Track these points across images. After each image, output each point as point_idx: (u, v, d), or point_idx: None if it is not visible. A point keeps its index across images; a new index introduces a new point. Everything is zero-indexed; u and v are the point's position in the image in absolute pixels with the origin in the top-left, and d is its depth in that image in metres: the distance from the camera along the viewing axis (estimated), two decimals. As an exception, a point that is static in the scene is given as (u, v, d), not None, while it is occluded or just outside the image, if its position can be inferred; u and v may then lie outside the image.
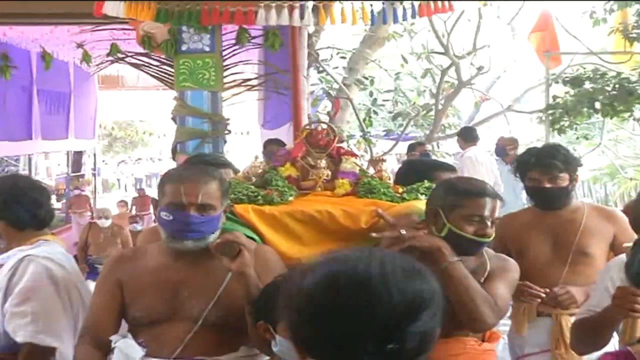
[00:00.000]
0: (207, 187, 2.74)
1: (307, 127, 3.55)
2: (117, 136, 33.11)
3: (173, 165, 7.02)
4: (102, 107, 14.47)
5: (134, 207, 15.29)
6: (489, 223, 2.83)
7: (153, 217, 13.58)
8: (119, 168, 36.10)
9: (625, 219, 3.85)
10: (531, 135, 17.54)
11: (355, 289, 1.28)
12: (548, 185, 3.78)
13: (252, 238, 3.02)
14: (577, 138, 11.50)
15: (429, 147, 9.90)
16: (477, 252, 2.90)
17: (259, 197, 3.32)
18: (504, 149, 9.15)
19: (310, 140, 3.52)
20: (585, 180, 14.88)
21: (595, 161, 13.98)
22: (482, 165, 8.69)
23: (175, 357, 2.66)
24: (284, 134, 8.78)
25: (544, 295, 3.69)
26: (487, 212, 2.83)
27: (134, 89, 17.09)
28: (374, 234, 2.89)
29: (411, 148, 9.78)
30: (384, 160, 3.64)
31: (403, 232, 2.78)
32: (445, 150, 12.35)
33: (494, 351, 2.98)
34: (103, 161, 35.07)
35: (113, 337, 2.75)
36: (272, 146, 8.57)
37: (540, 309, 3.77)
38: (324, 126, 3.58)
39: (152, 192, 31.95)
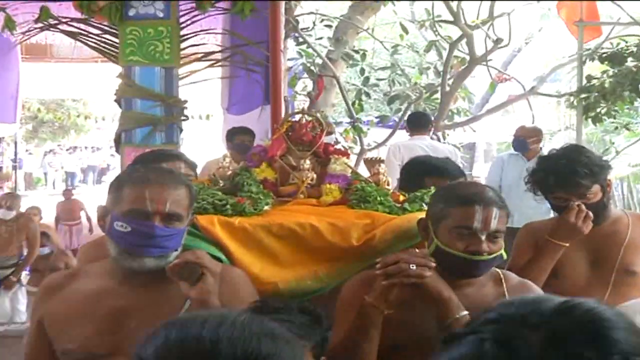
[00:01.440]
0: (176, 193, 2.75)
1: (289, 118, 3.59)
2: (43, 119, 32.89)
3: (116, 158, 7.05)
4: (25, 83, 14.31)
5: (59, 214, 14.81)
6: (482, 237, 2.86)
7: (86, 228, 13.36)
8: (45, 159, 35.86)
9: None
10: (559, 122, 17.70)
11: (186, 350, 1.44)
12: (578, 203, 3.79)
13: (217, 258, 3.05)
14: (617, 128, 11.57)
15: (432, 137, 9.89)
16: (474, 274, 2.95)
17: (228, 206, 3.35)
18: (524, 142, 9.00)
19: (291, 135, 3.58)
20: (625, 178, 14.99)
21: (637, 155, 14.08)
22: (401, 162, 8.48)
23: None
24: (254, 120, 8.83)
25: None
26: (477, 224, 2.86)
27: (66, 60, 16.92)
28: (378, 260, 2.89)
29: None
30: (382, 161, 3.68)
31: (412, 266, 2.81)
32: (454, 141, 12.41)
33: None
34: (26, 150, 34.87)
35: None
36: (241, 137, 8.61)
37: None
38: (309, 117, 3.61)
39: (87, 191, 31.98)
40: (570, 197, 3.78)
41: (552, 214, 7.94)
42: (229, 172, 3.59)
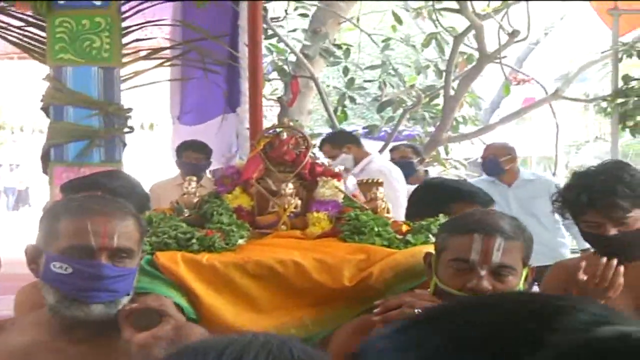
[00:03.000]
0: (124, 225, 2.80)
1: (266, 133, 3.72)
2: (-53, 131, 32.92)
3: (43, 178, 7.10)
4: None
5: None
6: (482, 272, 2.94)
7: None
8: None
9: None
10: (587, 131, 17.94)
11: None
12: (614, 232, 3.81)
13: (179, 306, 3.14)
14: None
15: (418, 148, 9.91)
16: None
17: (194, 241, 3.45)
18: (496, 161, 8.91)
19: (270, 153, 3.71)
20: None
21: None
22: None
23: None
24: (212, 132, 8.89)
25: None
26: (474, 255, 2.95)
27: None
28: (377, 303, 3.00)
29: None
30: (380, 184, 3.80)
31: (418, 311, 2.85)
32: (458, 157, 12.53)
33: None
34: None
35: None
36: (190, 154, 8.67)
37: None
38: (292, 132, 3.74)
39: (1, 219, 31.79)
40: (605, 221, 3.78)
41: (563, 250, 8.13)
42: (196, 199, 3.71)
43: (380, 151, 11.24)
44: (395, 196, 5.90)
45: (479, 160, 9.34)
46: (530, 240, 3.10)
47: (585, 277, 3.53)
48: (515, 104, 14.76)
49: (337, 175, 3.83)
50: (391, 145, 11.95)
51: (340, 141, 8.31)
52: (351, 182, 4.12)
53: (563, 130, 11.67)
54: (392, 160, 9.36)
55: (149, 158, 25.48)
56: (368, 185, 3.87)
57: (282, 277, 3.42)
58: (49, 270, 2.73)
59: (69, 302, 2.71)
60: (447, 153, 12.00)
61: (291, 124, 3.90)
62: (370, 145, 12.95)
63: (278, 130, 3.79)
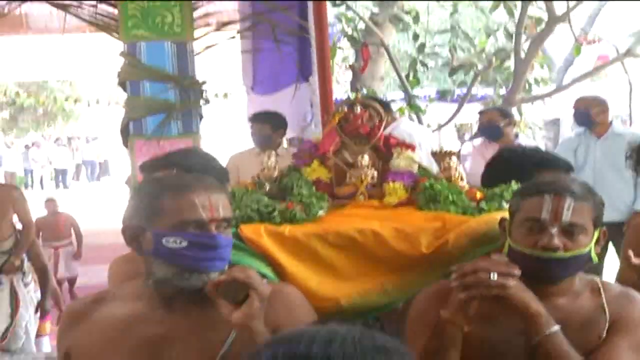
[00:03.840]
0: (222, 197, 2.93)
1: (340, 108, 3.82)
2: (23, 105, 33.25)
3: (121, 150, 7.23)
4: None
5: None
6: (552, 230, 3.01)
7: (74, 247, 13.21)
8: (28, 153, 35.87)
9: None
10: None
11: None
12: None
13: (264, 275, 3.25)
14: None
15: (506, 111, 9.90)
16: (548, 275, 3.10)
17: (276, 213, 3.58)
18: (587, 114, 9.06)
19: (345, 127, 3.81)
20: None
21: None
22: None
23: None
24: (286, 101, 8.99)
25: None
26: (545, 215, 3.02)
27: (47, 32, 16.96)
28: (453, 269, 3.06)
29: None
30: (453, 154, 3.87)
31: (494, 276, 2.96)
32: (532, 119, 12.51)
33: None
34: (5, 143, 35.16)
35: None
36: (257, 126, 8.75)
37: None
38: (365, 105, 3.83)
39: (80, 191, 32.13)
40: None
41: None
42: (276, 173, 3.83)
43: (453, 116, 11.31)
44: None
45: (573, 111, 9.25)
46: (601, 204, 3.14)
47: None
48: (589, 62, 14.67)
49: (411, 147, 3.92)
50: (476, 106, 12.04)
51: (367, 106, 8.29)
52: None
53: (637, 88, 11.57)
54: (480, 124, 9.40)
55: (225, 127, 25.65)
56: (442, 155, 3.91)
57: (362, 246, 3.52)
58: (161, 246, 2.82)
59: (188, 273, 2.82)
60: (520, 115, 11.98)
61: (364, 90, 3.99)
62: (443, 109, 13.02)
63: (352, 104, 3.88)
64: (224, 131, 25.46)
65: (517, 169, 3.73)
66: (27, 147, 36.54)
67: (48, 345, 9.66)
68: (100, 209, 23.22)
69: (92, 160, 37.81)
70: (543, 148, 14.74)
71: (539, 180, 3.22)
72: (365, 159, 3.79)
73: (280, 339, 1.81)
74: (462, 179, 3.84)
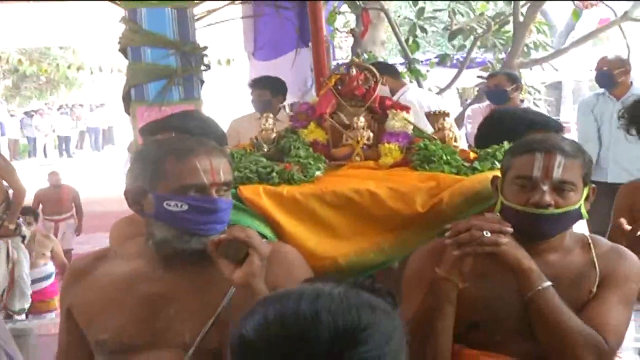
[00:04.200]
0: (224, 160, 2.99)
1: (336, 70, 3.88)
2: (26, 73, 33.19)
3: (126, 117, 7.27)
4: None
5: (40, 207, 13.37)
6: (544, 187, 3.07)
7: (75, 220, 13.12)
8: (32, 122, 35.90)
9: None
10: None
11: (286, 324, 1.81)
12: None
13: (263, 235, 3.31)
14: None
15: (514, 75, 9.86)
16: (540, 232, 3.16)
17: (274, 174, 3.63)
18: (610, 74, 9.00)
19: (341, 89, 3.87)
20: None
21: None
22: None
23: None
24: (287, 66, 9.04)
25: None
26: (537, 172, 3.09)
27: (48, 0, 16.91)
28: (447, 227, 3.12)
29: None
30: (447, 115, 3.94)
31: (487, 233, 3.03)
32: (532, 82, 12.55)
33: None
34: (9, 112, 35.18)
35: None
36: (257, 91, 8.80)
37: None
38: (360, 67, 3.89)
39: (84, 159, 32.17)
40: None
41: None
42: (274, 135, 3.89)
43: (453, 80, 11.35)
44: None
45: (595, 72, 9.27)
46: (590, 162, 3.21)
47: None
48: (591, 26, 14.65)
49: (406, 108, 3.98)
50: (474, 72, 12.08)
51: None
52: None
53: (637, 52, 11.57)
54: (487, 88, 9.40)
55: (228, 93, 25.65)
56: (436, 116, 3.97)
57: (359, 205, 3.57)
58: (162, 209, 2.89)
59: (188, 236, 2.89)
60: (520, 80, 12.00)
61: (365, 55, 4.04)
62: (443, 74, 13.06)
63: (347, 66, 3.93)
64: (228, 97, 25.48)
65: (509, 129, 3.78)
66: (29, 114, 36.42)
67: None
68: (104, 177, 23.29)
69: (97, 128, 37.71)
70: (544, 111, 14.79)
71: (530, 139, 3.27)
72: (361, 121, 3.85)
73: (270, 298, 1.92)
74: (455, 139, 3.90)
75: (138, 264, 3.02)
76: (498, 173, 3.37)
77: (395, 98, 7.77)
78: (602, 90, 9.24)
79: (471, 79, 13.35)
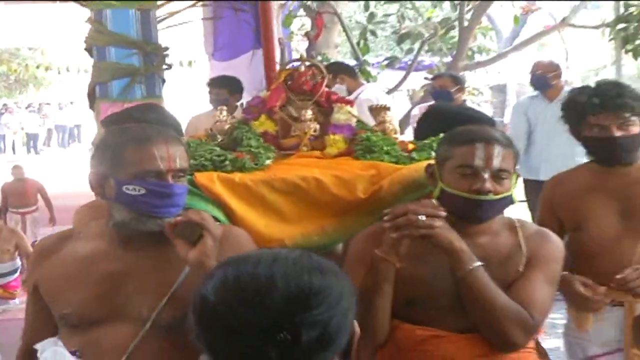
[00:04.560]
0: (180, 149, 3.05)
1: (287, 66, 3.98)
2: (-4, 72, 33.17)
3: (89, 114, 7.27)
4: None
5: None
6: (485, 175, 3.19)
7: (46, 218, 12.83)
8: (1, 119, 35.79)
9: None
10: (604, 55, 17.97)
11: (243, 285, 1.92)
12: (619, 134, 4.12)
13: (216, 219, 3.40)
14: None
15: (458, 77, 9.98)
16: (479, 216, 3.28)
17: (227, 162, 3.71)
18: (544, 77, 9.19)
19: (291, 84, 3.95)
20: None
21: None
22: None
23: None
24: (244, 67, 9.06)
25: (602, 294, 4.07)
26: (478, 162, 3.19)
27: (18, 1, 16.81)
28: (386, 212, 3.20)
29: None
30: (387, 109, 4.04)
31: (422, 217, 3.12)
32: (475, 84, 12.66)
33: (532, 351, 3.40)
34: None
35: (38, 346, 3.06)
36: (215, 90, 8.88)
37: (607, 297, 4.11)
38: (309, 64, 3.99)
39: (52, 156, 31.95)
40: (612, 123, 4.11)
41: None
42: (227, 126, 3.95)
43: (401, 81, 11.42)
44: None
45: (530, 76, 9.45)
46: (518, 152, 3.34)
47: None
48: (535, 32, 14.81)
49: (350, 102, 4.06)
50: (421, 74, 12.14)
51: (335, 72, 8.34)
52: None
53: (582, 57, 11.74)
54: (433, 88, 9.46)
55: (190, 92, 25.57)
56: (377, 110, 4.07)
57: (305, 191, 3.66)
58: (121, 192, 2.93)
59: (145, 218, 2.93)
60: (465, 82, 12.11)
61: (319, 57, 4.12)
62: (392, 76, 13.14)
63: (296, 64, 4.02)
64: (190, 97, 25.39)
65: (445, 123, 3.80)
66: (1, 113, 36.25)
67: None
68: (70, 173, 23.16)
69: (64, 125, 37.46)
70: (490, 113, 14.89)
71: (468, 130, 3.36)
72: (309, 113, 3.92)
73: (230, 261, 2.02)
74: (395, 132, 3.98)
75: (100, 244, 3.06)
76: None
77: (352, 96, 7.90)
78: (536, 92, 9.40)
79: (420, 81, 13.44)
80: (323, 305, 1.92)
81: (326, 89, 4.01)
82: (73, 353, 2.96)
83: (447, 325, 3.27)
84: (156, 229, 2.94)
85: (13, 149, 35.01)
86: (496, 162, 3.22)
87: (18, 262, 10.32)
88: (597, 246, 4.23)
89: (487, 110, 18.38)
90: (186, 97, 25.07)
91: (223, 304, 1.92)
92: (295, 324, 1.89)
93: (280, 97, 3.97)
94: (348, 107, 4.00)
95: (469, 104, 9.76)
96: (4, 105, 36.92)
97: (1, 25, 16.62)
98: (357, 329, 2.67)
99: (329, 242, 3.74)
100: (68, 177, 21.77)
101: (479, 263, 3.18)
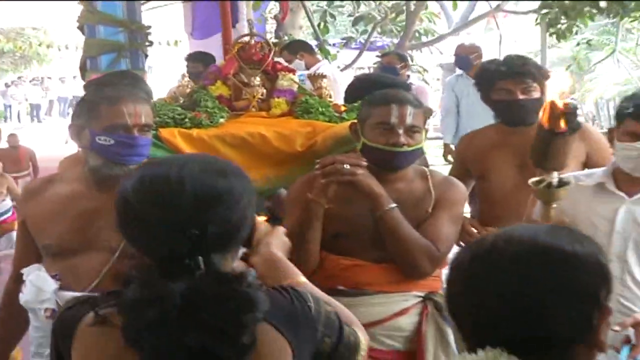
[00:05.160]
0: (147, 107, 3.15)
1: (239, 40, 4.13)
2: (4, 50, 32.65)
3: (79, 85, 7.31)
4: None
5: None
6: (400, 131, 3.34)
7: (30, 179, 12.62)
8: (8, 91, 35.60)
9: (600, 137, 4.49)
10: (533, 43, 18.06)
11: (156, 186, 1.97)
12: (522, 97, 4.28)
13: None
14: (578, 44, 11.90)
15: (403, 55, 10.08)
16: (396, 165, 3.43)
17: (187, 120, 3.84)
18: (466, 58, 9.35)
19: (242, 55, 4.06)
20: (611, 98, 15.32)
21: (622, 75, 14.40)
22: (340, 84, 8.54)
23: (91, 289, 3.02)
24: (217, 44, 9.13)
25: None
26: (394, 119, 3.34)
27: None
28: (317, 161, 3.36)
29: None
30: (324, 77, 4.19)
31: (347, 166, 3.28)
32: (421, 63, 12.79)
33: (438, 279, 3.58)
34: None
35: (24, 270, 3.15)
36: (192, 64, 8.97)
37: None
38: (258, 39, 4.14)
39: (53, 124, 31.66)
40: (516, 88, 4.27)
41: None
42: (188, 90, 4.06)
43: (355, 59, 11.51)
44: (337, 92, 6.03)
45: (455, 57, 9.59)
46: (429, 112, 3.54)
47: None
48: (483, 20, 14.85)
49: (292, 71, 4.19)
50: (373, 53, 12.19)
51: (295, 49, 8.39)
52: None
53: (519, 41, 11.81)
54: (381, 64, 9.49)
55: (176, 69, 25.46)
56: (315, 78, 4.21)
57: (251, 145, 3.80)
58: (95, 142, 3.05)
59: (112, 164, 3.05)
60: (412, 59, 12.22)
61: (286, 37, 4.21)
62: (348, 54, 13.22)
63: (247, 38, 4.15)
64: (176, 73, 25.24)
65: (368, 88, 3.92)
66: (6, 85, 36.16)
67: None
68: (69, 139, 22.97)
69: (66, 97, 36.92)
70: (440, 89, 14.85)
71: (384, 93, 3.50)
72: (257, 80, 4.04)
73: (148, 163, 2.14)
74: (330, 96, 4.10)
75: (77, 186, 3.18)
76: None
77: (311, 71, 7.94)
78: (461, 71, 9.53)
79: (373, 59, 13.54)
80: (226, 204, 1.97)
81: (273, 61, 4.14)
82: (53, 277, 3.09)
83: (367, 256, 3.42)
84: (122, 174, 2.97)
85: (18, 117, 34.66)
86: (409, 120, 3.36)
87: (9, 202, 10.26)
88: (498, 193, 4.40)
89: (437, 86, 18.43)
90: (173, 72, 25.02)
91: (139, 203, 1.97)
92: (202, 221, 1.93)
93: (233, 66, 4.06)
94: (291, 75, 4.12)
95: (413, 78, 9.83)
96: (10, 81, 36.64)
97: (8, 7, 16.53)
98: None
99: (272, 188, 3.87)
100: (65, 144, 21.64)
101: (394, 205, 3.34)
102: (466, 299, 1.70)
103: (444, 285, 3.46)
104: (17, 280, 3.23)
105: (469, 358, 1.65)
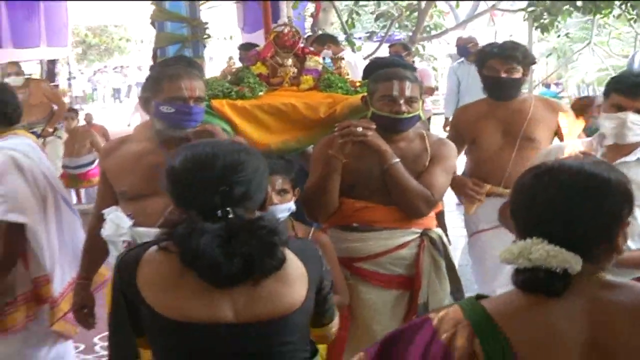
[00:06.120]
0: (201, 83, 3.26)
1: (275, 29, 4.22)
2: (91, 43, 32.92)
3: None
4: (73, 12, 14.32)
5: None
6: (401, 102, 3.42)
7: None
8: (95, 77, 35.88)
9: (568, 109, 4.61)
10: (525, 37, 17.88)
11: (197, 158, 2.15)
12: (504, 76, 4.35)
13: (225, 130, 3.61)
14: (559, 36, 11.84)
15: (408, 45, 10.07)
16: (399, 128, 3.50)
17: (233, 93, 3.90)
18: (464, 47, 9.51)
19: (277, 41, 4.12)
20: (591, 83, 15.23)
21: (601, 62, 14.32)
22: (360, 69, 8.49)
23: (158, 225, 3.06)
24: (263, 36, 9.16)
25: (483, 196, 4.34)
26: (395, 92, 3.42)
27: None
28: (336, 125, 3.44)
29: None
30: (342, 58, 4.28)
31: (359, 129, 3.38)
32: (431, 52, 12.77)
33: (433, 219, 3.70)
34: (79, 70, 34.87)
35: (105, 211, 3.24)
36: (243, 52, 9.02)
37: (491, 190, 4.37)
38: (290, 29, 4.21)
39: (130, 105, 31.83)
40: (502, 67, 4.34)
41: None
42: (234, 69, 4.14)
43: (377, 49, 11.49)
44: (357, 74, 6.02)
45: (456, 48, 9.75)
46: (428, 89, 3.64)
47: None
48: (485, 17, 14.73)
49: (318, 54, 4.26)
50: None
51: (323, 41, 8.33)
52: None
53: (516, 35, 11.76)
54: (390, 54, 9.53)
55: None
56: (336, 60, 4.26)
57: (285, 113, 3.86)
58: (158, 110, 3.19)
59: (173, 128, 3.19)
60: (423, 49, 12.22)
61: (319, 32, 4.22)
62: (371, 46, 13.22)
63: (281, 28, 4.21)
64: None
65: (379, 67, 4.02)
66: (94, 72, 36.45)
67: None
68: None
69: (142, 82, 36.75)
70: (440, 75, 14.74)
71: (390, 71, 3.59)
72: (289, 61, 4.09)
73: (190, 145, 2.29)
74: (347, 74, 4.16)
75: (146, 144, 3.28)
76: None
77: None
78: (462, 58, 9.56)
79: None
80: (246, 171, 2.15)
81: (302, 46, 4.18)
82: (128, 216, 3.20)
83: (375, 199, 3.52)
84: (181, 135, 3.17)
85: (103, 99, 35.04)
86: (407, 92, 3.45)
87: (94, 155, 9.96)
88: (485, 154, 4.46)
89: (437, 72, 18.24)
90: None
91: (184, 169, 2.17)
92: (230, 181, 2.12)
93: (270, 50, 4.12)
94: (316, 57, 4.17)
95: (417, 64, 9.83)
96: (96, 69, 36.92)
97: (94, 8, 16.62)
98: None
99: (300, 147, 3.93)
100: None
101: (397, 159, 3.45)
102: (523, 203, 1.80)
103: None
104: (99, 219, 3.32)
105: (519, 243, 1.75)
